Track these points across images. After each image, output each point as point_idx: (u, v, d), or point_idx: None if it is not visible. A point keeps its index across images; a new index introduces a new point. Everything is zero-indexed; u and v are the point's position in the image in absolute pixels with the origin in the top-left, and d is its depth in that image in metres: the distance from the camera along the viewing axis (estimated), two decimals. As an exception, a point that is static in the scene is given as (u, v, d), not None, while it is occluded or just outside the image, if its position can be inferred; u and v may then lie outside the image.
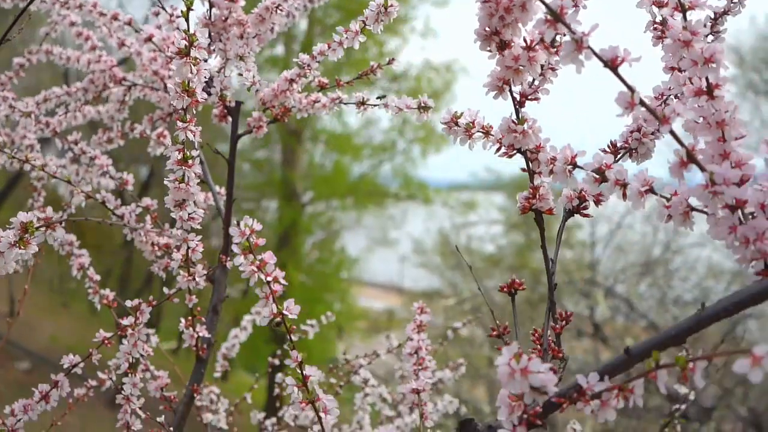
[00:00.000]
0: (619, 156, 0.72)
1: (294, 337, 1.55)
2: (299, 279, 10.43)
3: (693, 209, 0.57)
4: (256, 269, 0.65)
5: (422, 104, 0.89)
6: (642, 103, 0.53)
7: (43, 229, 0.68)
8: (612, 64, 0.53)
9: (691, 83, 0.58)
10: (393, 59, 1.05)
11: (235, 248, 0.65)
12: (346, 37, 0.94)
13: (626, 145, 0.72)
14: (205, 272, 0.95)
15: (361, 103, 0.99)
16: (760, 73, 9.53)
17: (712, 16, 0.74)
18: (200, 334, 1.01)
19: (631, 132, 0.72)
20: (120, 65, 1.36)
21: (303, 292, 10.17)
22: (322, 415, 0.67)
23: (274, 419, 1.44)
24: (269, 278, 0.65)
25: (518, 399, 0.56)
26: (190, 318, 1.00)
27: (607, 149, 0.72)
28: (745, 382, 6.19)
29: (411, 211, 12.12)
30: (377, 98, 0.82)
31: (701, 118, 0.57)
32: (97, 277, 1.15)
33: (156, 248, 1.06)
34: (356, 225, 12.23)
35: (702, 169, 0.53)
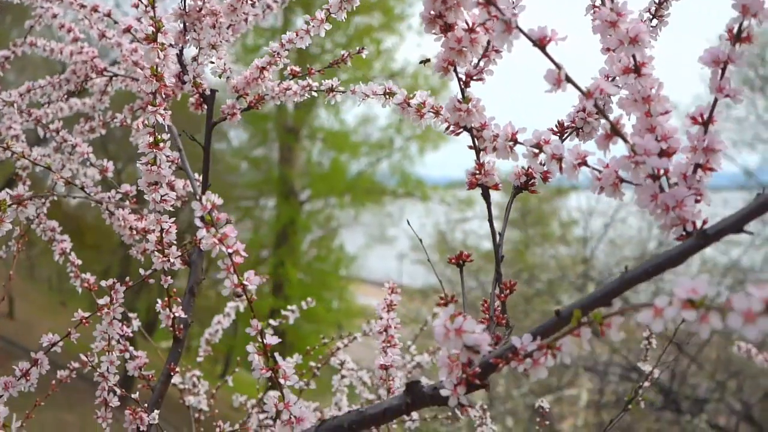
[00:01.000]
0: (566, 135, 0.76)
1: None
2: (297, 277, 10.47)
3: (622, 180, 0.60)
4: (217, 242, 0.68)
5: (387, 91, 0.93)
6: (568, 79, 0.56)
7: (14, 206, 0.71)
8: (540, 43, 0.56)
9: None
10: (362, 48, 1.09)
11: (197, 222, 0.68)
12: (313, 25, 0.98)
13: (572, 125, 0.75)
14: (180, 253, 0.98)
15: (330, 90, 1.03)
16: (755, 69, 9.57)
17: (657, 0, 0.78)
18: (176, 315, 1.04)
19: (578, 111, 0.75)
20: (113, 66, 1.39)
21: (301, 289, 10.20)
22: (281, 381, 0.71)
23: (254, 401, 1.48)
24: (231, 251, 0.69)
25: (457, 360, 0.59)
26: (166, 299, 1.04)
27: (554, 129, 0.76)
28: (738, 375, 6.24)
29: (409, 209, 12.16)
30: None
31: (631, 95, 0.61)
32: (79, 262, 1.18)
33: (134, 232, 1.10)
34: (354, 222, 12.28)
35: (625, 141, 0.57)
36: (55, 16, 1.28)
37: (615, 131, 0.57)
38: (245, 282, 0.69)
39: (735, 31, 0.57)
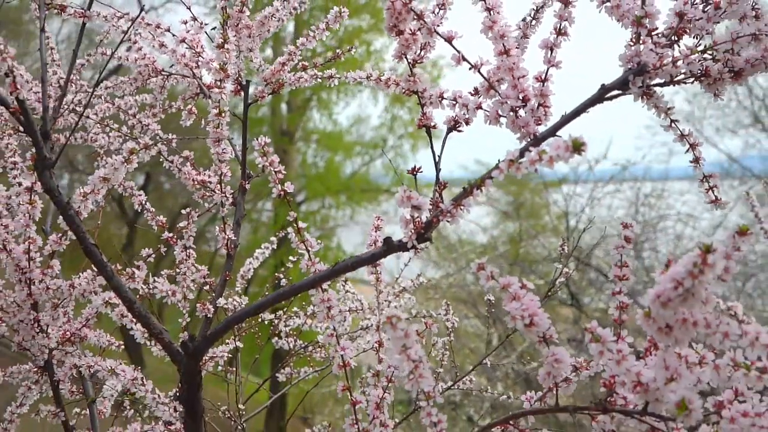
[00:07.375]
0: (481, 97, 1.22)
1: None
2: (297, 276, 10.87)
3: (500, 116, 1.07)
4: (268, 164, 1.15)
5: (369, 74, 1.39)
6: (463, 58, 1.02)
7: (143, 149, 1.17)
8: (449, 39, 1.03)
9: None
10: (353, 46, 1.56)
11: (255, 153, 1.14)
12: (318, 32, 1.44)
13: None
14: (233, 191, 1.44)
15: (331, 77, 1.49)
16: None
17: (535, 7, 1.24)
18: (229, 237, 1.50)
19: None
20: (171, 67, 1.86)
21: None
22: (309, 249, 1.17)
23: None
24: (276, 169, 1.15)
25: (410, 220, 1.05)
26: (222, 225, 1.50)
27: (472, 92, 1.21)
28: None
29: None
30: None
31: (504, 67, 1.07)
32: (153, 210, 1.64)
33: (195, 183, 1.56)
34: (350, 222, 12.71)
35: (496, 90, 1.03)
36: (125, 32, 1.74)
37: (491, 86, 1.03)
38: (286, 188, 1.16)
39: (557, 28, 1.03)
